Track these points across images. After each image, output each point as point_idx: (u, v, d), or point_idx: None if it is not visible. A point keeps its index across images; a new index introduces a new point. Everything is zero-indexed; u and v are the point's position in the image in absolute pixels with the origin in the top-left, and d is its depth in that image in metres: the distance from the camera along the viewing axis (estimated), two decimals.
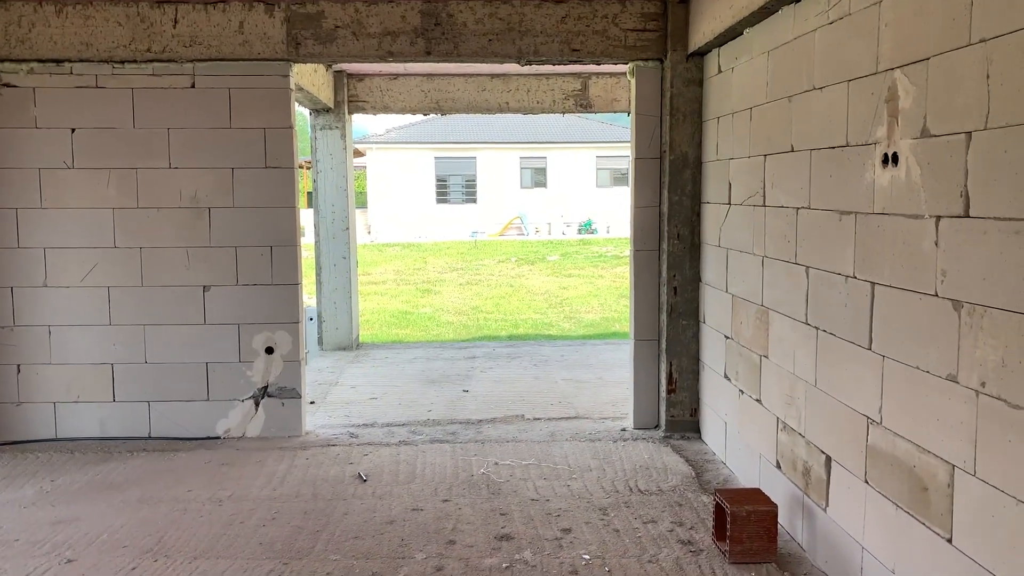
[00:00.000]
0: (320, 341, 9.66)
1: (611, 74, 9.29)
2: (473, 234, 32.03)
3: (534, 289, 17.14)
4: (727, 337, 5.39)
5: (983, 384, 2.76)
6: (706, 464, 5.52)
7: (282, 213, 5.99)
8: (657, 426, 6.29)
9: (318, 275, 9.62)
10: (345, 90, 9.32)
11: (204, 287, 6.00)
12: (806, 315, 4.14)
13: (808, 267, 4.11)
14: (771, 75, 4.60)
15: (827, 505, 3.91)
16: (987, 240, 2.73)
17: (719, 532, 4.22)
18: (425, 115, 10.00)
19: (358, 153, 31.47)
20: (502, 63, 6.11)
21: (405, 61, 5.99)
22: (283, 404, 6.09)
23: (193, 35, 5.78)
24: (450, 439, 6.08)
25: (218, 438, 6.07)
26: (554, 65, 6.36)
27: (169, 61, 5.83)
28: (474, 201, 33.93)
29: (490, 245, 27.77)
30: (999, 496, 2.69)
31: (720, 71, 5.52)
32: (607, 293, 16.30)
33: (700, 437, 6.07)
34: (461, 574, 3.97)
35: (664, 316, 6.12)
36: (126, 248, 5.96)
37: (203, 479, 5.26)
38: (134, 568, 4.05)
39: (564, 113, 9.67)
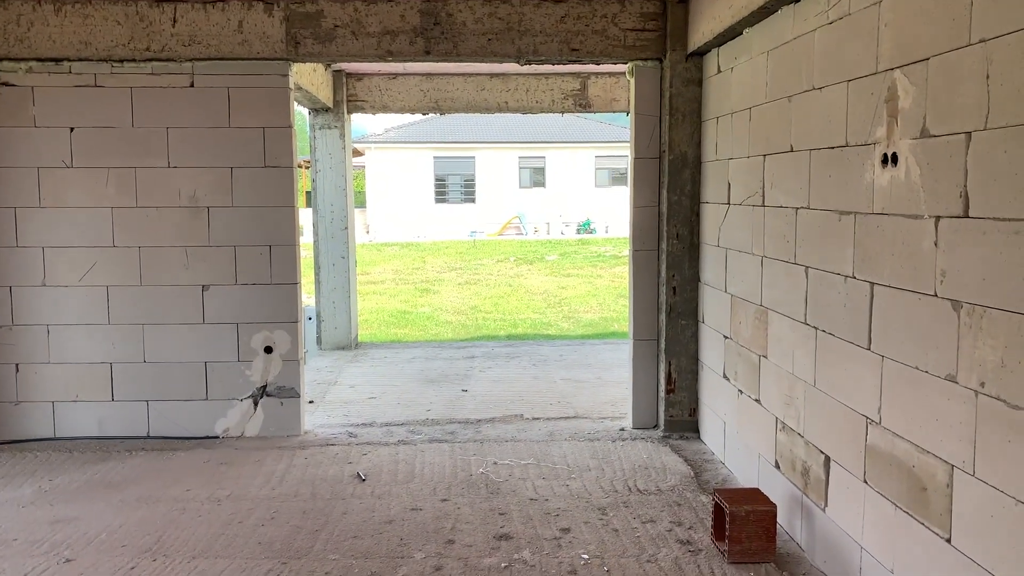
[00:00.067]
0: (319, 340, 9.66)
1: (610, 74, 9.29)
2: (472, 234, 32.03)
3: (533, 289, 17.14)
4: (726, 337, 5.40)
5: (982, 384, 2.77)
6: (705, 464, 5.52)
7: (281, 212, 5.99)
8: (656, 426, 6.29)
9: (317, 274, 9.61)
10: (344, 89, 9.32)
11: (203, 286, 6.00)
12: (805, 315, 4.14)
13: (807, 267, 4.11)
14: (770, 75, 4.60)
15: (826, 505, 3.91)
16: (987, 240, 2.73)
17: (718, 532, 4.22)
18: (424, 114, 10.00)
19: (357, 153, 31.46)
20: (501, 63, 6.11)
21: (404, 60, 5.99)
22: (282, 403, 6.09)
23: (192, 34, 5.77)
24: (449, 439, 6.08)
25: (217, 437, 6.06)
26: (553, 65, 6.37)
27: (168, 60, 5.83)
28: (473, 201, 33.94)
29: (489, 245, 27.77)
30: (998, 496, 2.69)
31: (719, 71, 5.52)
32: (606, 293, 16.30)
33: (699, 437, 6.07)
34: (460, 574, 3.97)
35: (663, 316, 6.12)
36: (125, 247, 5.96)
37: (202, 478, 5.26)
38: (133, 567, 4.05)
39: (563, 113, 9.67)
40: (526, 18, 5.87)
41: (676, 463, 5.50)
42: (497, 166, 33.76)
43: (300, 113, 10.13)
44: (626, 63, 6.11)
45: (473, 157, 33.81)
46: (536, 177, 34.25)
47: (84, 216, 5.92)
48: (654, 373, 6.27)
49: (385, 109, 9.51)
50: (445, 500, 4.88)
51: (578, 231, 32.95)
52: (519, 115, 9.98)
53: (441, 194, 34.01)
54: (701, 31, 5.48)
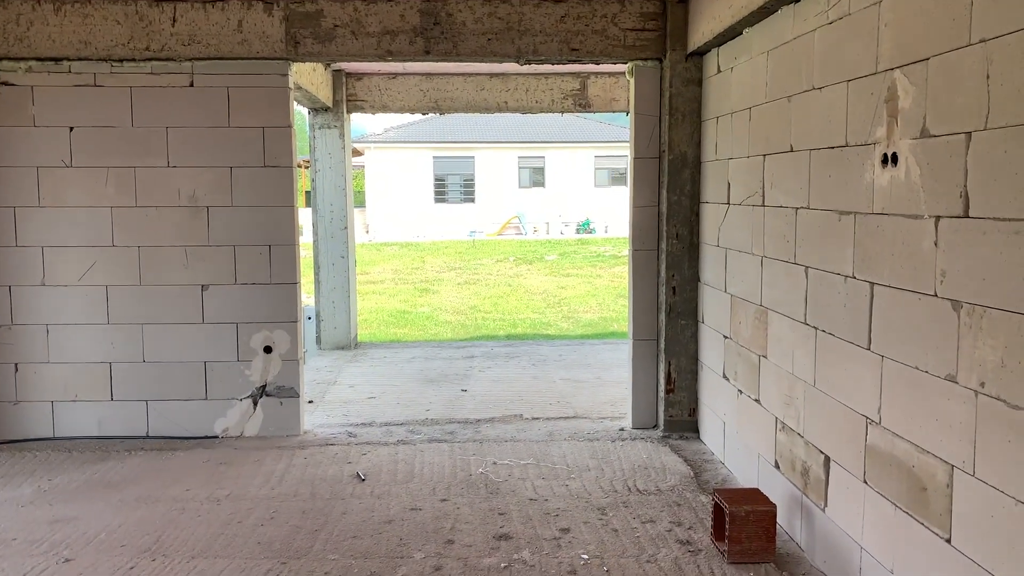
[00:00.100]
0: (318, 340, 9.66)
1: (610, 74, 9.29)
2: (471, 233, 32.03)
3: (532, 289, 17.13)
4: (726, 337, 5.39)
5: (982, 384, 2.76)
6: (704, 464, 5.52)
7: (280, 212, 5.99)
8: (655, 426, 6.29)
9: (316, 274, 9.61)
10: (344, 89, 9.31)
11: (202, 286, 5.99)
12: (805, 315, 4.14)
13: (807, 267, 4.11)
14: (770, 75, 4.60)
15: (826, 505, 3.91)
16: (987, 240, 2.73)
17: (718, 532, 4.22)
18: (424, 114, 10.00)
19: (356, 152, 31.45)
20: (501, 62, 6.11)
21: (404, 60, 5.99)
22: (281, 403, 6.09)
23: (192, 34, 5.77)
24: (448, 438, 6.08)
25: (216, 437, 6.06)
26: (553, 64, 6.36)
27: (168, 60, 5.82)
28: (472, 200, 33.94)
29: (488, 244, 27.77)
30: (998, 496, 2.69)
31: (719, 71, 5.52)
32: (605, 293, 16.30)
33: (699, 437, 6.07)
34: (460, 574, 3.97)
35: (663, 316, 6.11)
36: (124, 247, 5.95)
37: (201, 478, 5.26)
38: (132, 567, 4.05)
39: (563, 113, 9.67)
40: (526, 18, 5.87)
41: (676, 463, 5.50)
42: (496, 166, 33.76)
43: (300, 113, 10.11)
44: (626, 63, 6.11)
45: (472, 157, 33.81)
46: (536, 177, 34.26)
47: (83, 216, 5.92)
48: (654, 373, 6.27)
49: (385, 109, 9.51)
50: (444, 500, 4.88)
51: (577, 231, 32.96)
52: (519, 115, 9.99)
53: (440, 194, 34.01)
54: (701, 31, 5.48)
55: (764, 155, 4.69)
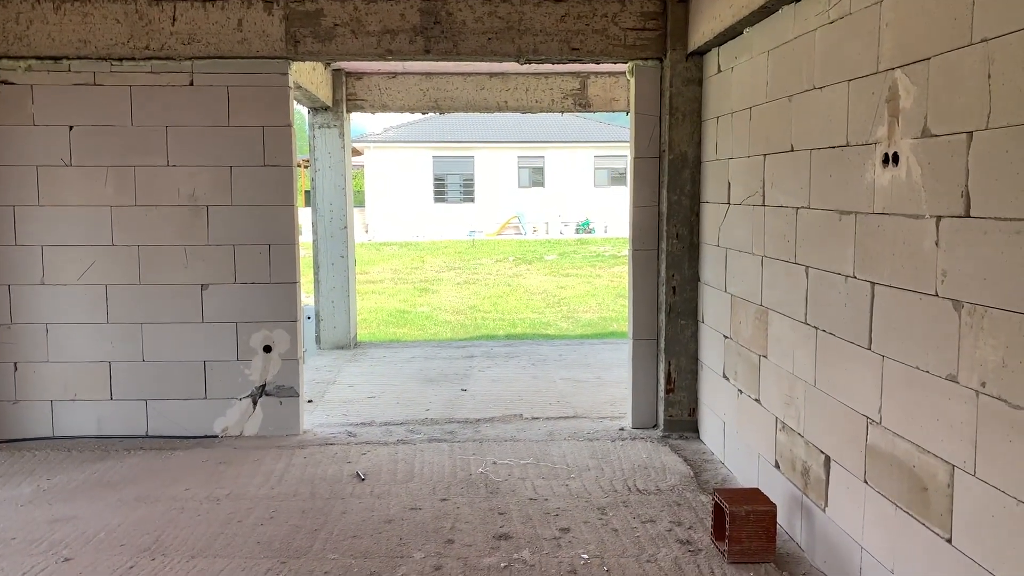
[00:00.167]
0: (318, 340, 9.65)
1: (610, 73, 9.29)
2: (471, 233, 32.03)
3: (532, 288, 17.13)
4: (726, 337, 5.39)
5: (983, 384, 2.76)
6: (704, 464, 5.52)
7: (280, 212, 5.98)
8: (655, 426, 6.28)
9: (316, 274, 9.61)
10: (343, 88, 9.31)
11: (202, 285, 5.99)
12: (805, 315, 4.14)
13: (808, 267, 4.11)
14: (771, 75, 4.60)
15: (826, 505, 3.91)
16: (988, 240, 2.73)
17: (718, 532, 4.22)
18: (424, 114, 9.99)
19: (356, 152, 31.45)
20: (501, 62, 6.11)
21: (404, 59, 5.98)
22: (281, 403, 6.08)
23: (192, 33, 5.76)
24: (448, 438, 6.07)
25: (216, 437, 6.05)
26: (553, 64, 6.36)
27: (167, 59, 5.82)
28: (472, 200, 33.94)
29: (488, 244, 27.77)
30: (999, 496, 2.68)
31: (720, 70, 5.52)
32: (605, 293, 16.30)
33: (698, 437, 6.07)
34: (459, 573, 3.97)
35: (663, 316, 6.11)
36: (124, 246, 5.95)
37: (200, 478, 5.25)
38: (131, 567, 4.04)
39: (563, 112, 9.67)
40: (526, 17, 5.87)
41: (676, 463, 5.50)
42: (496, 166, 33.76)
43: (299, 112, 10.11)
44: (626, 62, 6.10)
45: (472, 157, 33.81)
46: (535, 177, 34.26)
47: (83, 215, 5.91)
48: (653, 373, 6.27)
49: (384, 108, 9.50)
50: (444, 500, 4.88)
51: (577, 231, 32.96)
52: (518, 115, 9.99)
53: (440, 194, 34.01)
54: (701, 31, 5.48)
55: (764, 155, 4.69)
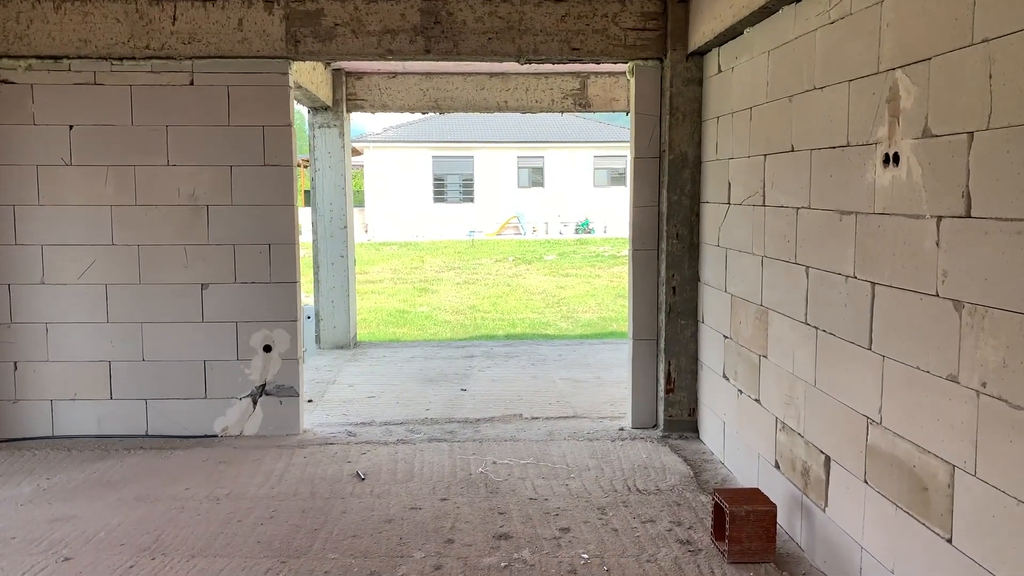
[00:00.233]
0: (318, 339, 9.65)
1: (610, 73, 9.29)
2: (470, 233, 32.03)
3: (531, 288, 17.13)
4: (726, 337, 5.39)
5: (984, 384, 2.76)
6: (704, 464, 5.52)
7: (280, 211, 5.98)
8: (655, 426, 6.29)
9: (316, 273, 9.61)
10: (344, 88, 9.31)
11: (202, 285, 5.99)
12: (805, 315, 4.14)
13: (808, 267, 4.11)
14: (771, 75, 4.60)
15: (826, 505, 3.91)
16: (989, 240, 2.73)
17: (718, 532, 4.22)
18: (424, 114, 9.99)
19: (356, 152, 31.45)
20: (502, 62, 6.11)
21: (404, 59, 5.98)
22: (281, 402, 6.08)
23: (192, 32, 5.76)
24: (448, 438, 6.07)
25: (216, 436, 6.05)
26: (554, 64, 6.36)
27: (168, 58, 5.81)
28: (471, 200, 33.94)
29: (487, 244, 27.77)
30: (999, 496, 2.69)
31: (720, 71, 5.52)
32: (604, 293, 16.30)
33: (698, 437, 6.07)
34: (459, 573, 3.97)
35: (663, 316, 6.11)
36: (124, 246, 5.95)
37: (200, 477, 5.25)
38: (131, 566, 4.04)
39: (563, 112, 9.67)
40: (526, 17, 5.87)
41: (675, 463, 5.50)
42: (496, 166, 33.76)
43: (299, 112, 10.11)
44: (626, 62, 6.10)
45: (472, 157, 33.81)
46: (535, 177, 34.26)
47: (83, 214, 5.91)
48: (653, 373, 6.27)
49: (384, 108, 9.50)
50: (444, 499, 4.88)
51: (577, 231, 32.96)
52: (518, 115, 9.99)
53: (440, 194, 34.01)
54: (702, 31, 5.48)
55: (765, 155, 4.69)
